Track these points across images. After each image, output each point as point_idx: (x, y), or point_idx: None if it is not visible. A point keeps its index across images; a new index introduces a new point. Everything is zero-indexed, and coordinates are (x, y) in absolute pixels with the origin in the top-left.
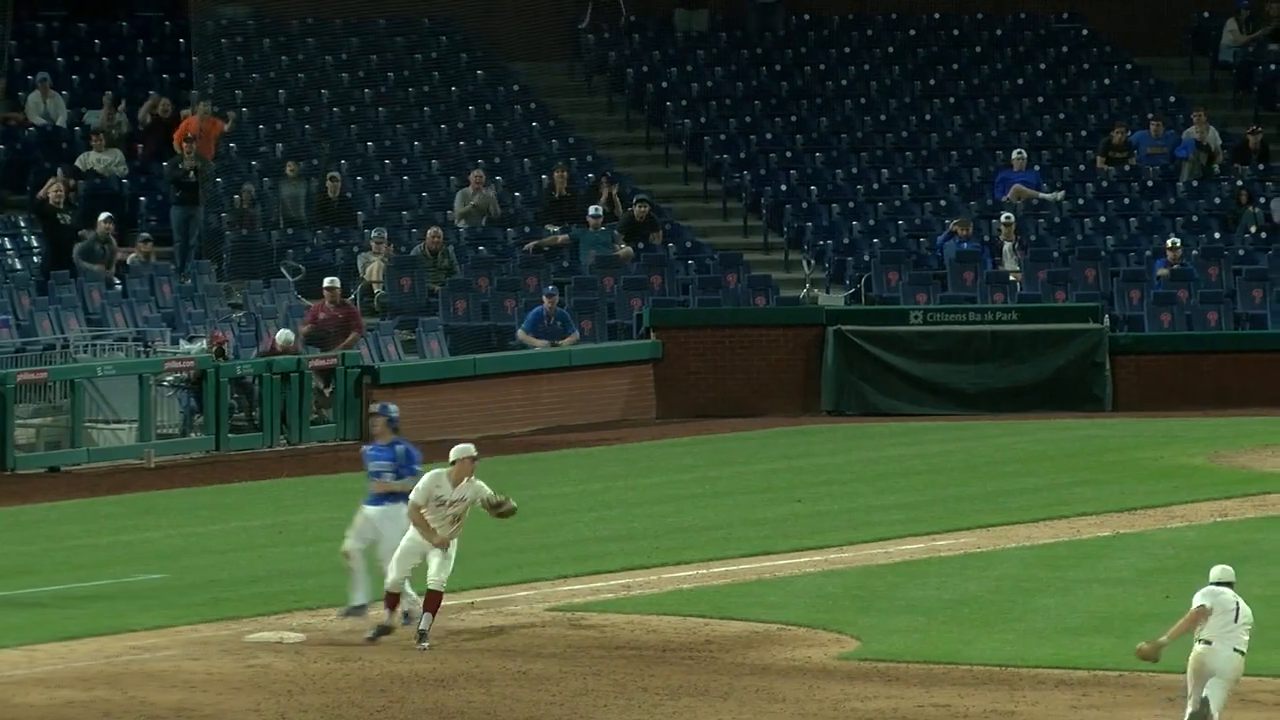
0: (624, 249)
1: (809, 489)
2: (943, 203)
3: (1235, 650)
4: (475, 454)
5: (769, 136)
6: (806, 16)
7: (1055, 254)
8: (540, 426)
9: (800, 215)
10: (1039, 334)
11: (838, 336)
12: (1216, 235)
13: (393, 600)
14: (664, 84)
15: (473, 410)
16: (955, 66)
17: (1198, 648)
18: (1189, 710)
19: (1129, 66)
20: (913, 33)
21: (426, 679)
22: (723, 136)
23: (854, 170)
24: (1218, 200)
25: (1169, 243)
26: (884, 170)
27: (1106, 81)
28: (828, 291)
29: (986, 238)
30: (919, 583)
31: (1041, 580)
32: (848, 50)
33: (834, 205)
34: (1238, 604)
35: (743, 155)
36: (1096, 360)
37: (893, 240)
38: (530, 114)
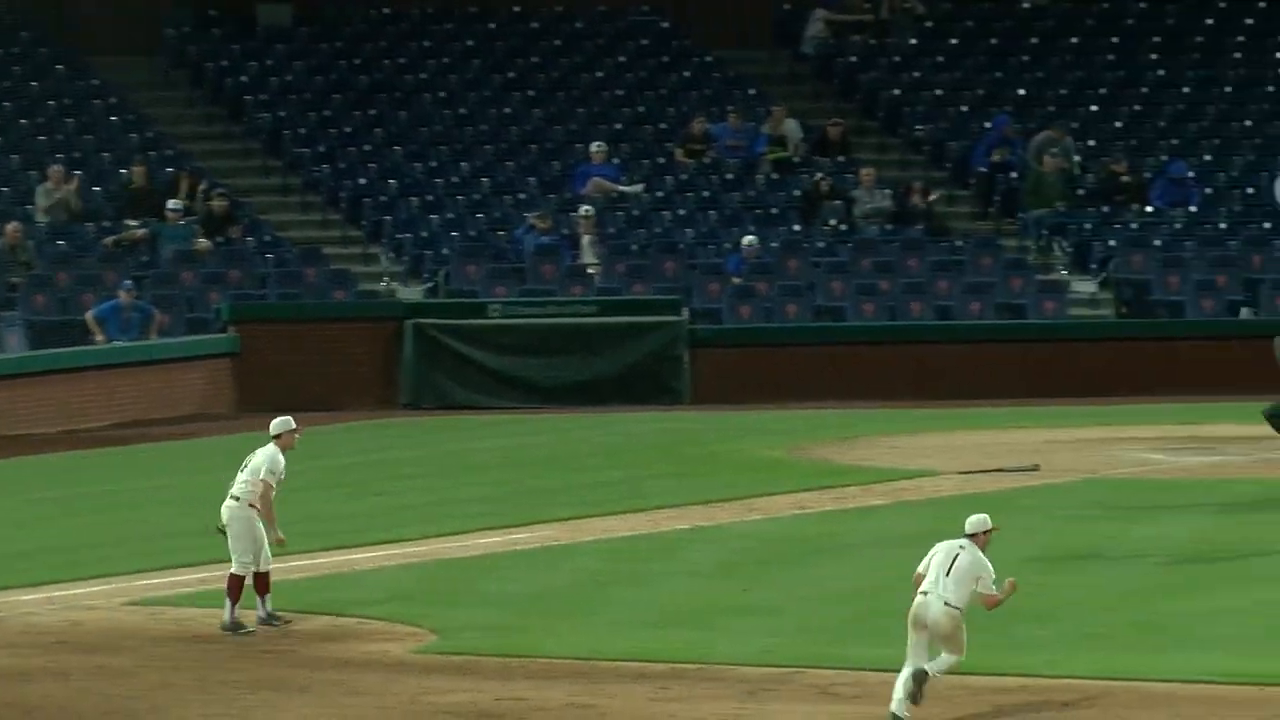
0: (203, 243)
1: (387, 483)
2: (522, 196)
3: (946, 604)
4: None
5: (349, 130)
6: (387, 10)
7: (634, 247)
8: (117, 421)
9: (379, 209)
10: (618, 327)
11: (416, 330)
12: (796, 228)
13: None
14: (244, 78)
15: (51, 405)
16: (535, 60)
17: (916, 598)
18: (906, 669)
19: (709, 59)
20: (493, 25)
21: (4, 673)
22: (303, 130)
23: (434, 164)
24: (797, 193)
25: (745, 241)
26: (464, 164)
27: (686, 74)
28: (406, 285)
29: (566, 231)
30: (497, 576)
31: (621, 573)
32: (428, 44)
33: (413, 199)
34: (955, 556)
35: (322, 149)
36: (675, 353)
37: (472, 234)
38: (111, 108)
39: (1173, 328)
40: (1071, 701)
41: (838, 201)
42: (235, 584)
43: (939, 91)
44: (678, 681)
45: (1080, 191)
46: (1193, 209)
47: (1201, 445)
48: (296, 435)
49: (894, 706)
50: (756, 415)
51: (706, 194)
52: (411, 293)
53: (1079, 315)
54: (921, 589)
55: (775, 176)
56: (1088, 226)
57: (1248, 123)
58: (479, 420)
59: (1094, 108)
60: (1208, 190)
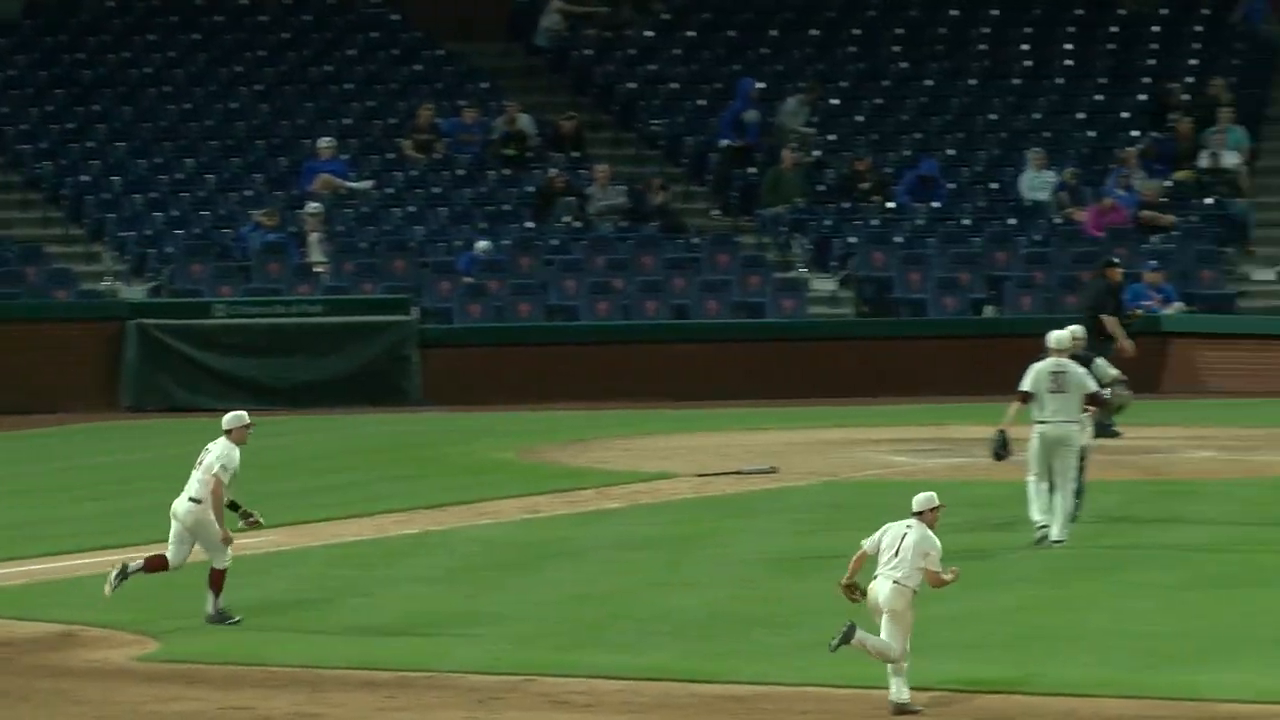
0: None
1: (108, 487)
2: (248, 193)
3: (895, 583)
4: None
5: (71, 126)
6: (112, 3)
7: (363, 245)
8: None
9: (102, 206)
10: (346, 327)
11: (139, 330)
12: (529, 225)
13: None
14: None
15: None
16: (263, 53)
17: (871, 582)
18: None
19: (440, 52)
20: (219, 19)
21: None
22: (24, 126)
23: (158, 160)
24: (530, 189)
25: (478, 246)
26: (188, 160)
27: (418, 68)
28: (129, 284)
29: (293, 229)
30: None
31: (348, 579)
32: (153, 37)
33: (136, 196)
34: (904, 535)
35: (44, 145)
36: (405, 353)
37: (197, 231)
38: None
39: (914, 327)
40: (809, 711)
41: (572, 198)
42: (219, 577)
43: (675, 85)
44: (405, 690)
45: (820, 187)
46: (935, 205)
47: (945, 447)
48: (249, 430)
49: (893, 695)
50: (488, 416)
51: (437, 190)
52: (134, 292)
53: (819, 314)
54: (876, 572)
55: (507, 173)
56: (828, 223)
57: (992, 116)
58: (203, 423)
59: (835, 101)
60: (951, 185)
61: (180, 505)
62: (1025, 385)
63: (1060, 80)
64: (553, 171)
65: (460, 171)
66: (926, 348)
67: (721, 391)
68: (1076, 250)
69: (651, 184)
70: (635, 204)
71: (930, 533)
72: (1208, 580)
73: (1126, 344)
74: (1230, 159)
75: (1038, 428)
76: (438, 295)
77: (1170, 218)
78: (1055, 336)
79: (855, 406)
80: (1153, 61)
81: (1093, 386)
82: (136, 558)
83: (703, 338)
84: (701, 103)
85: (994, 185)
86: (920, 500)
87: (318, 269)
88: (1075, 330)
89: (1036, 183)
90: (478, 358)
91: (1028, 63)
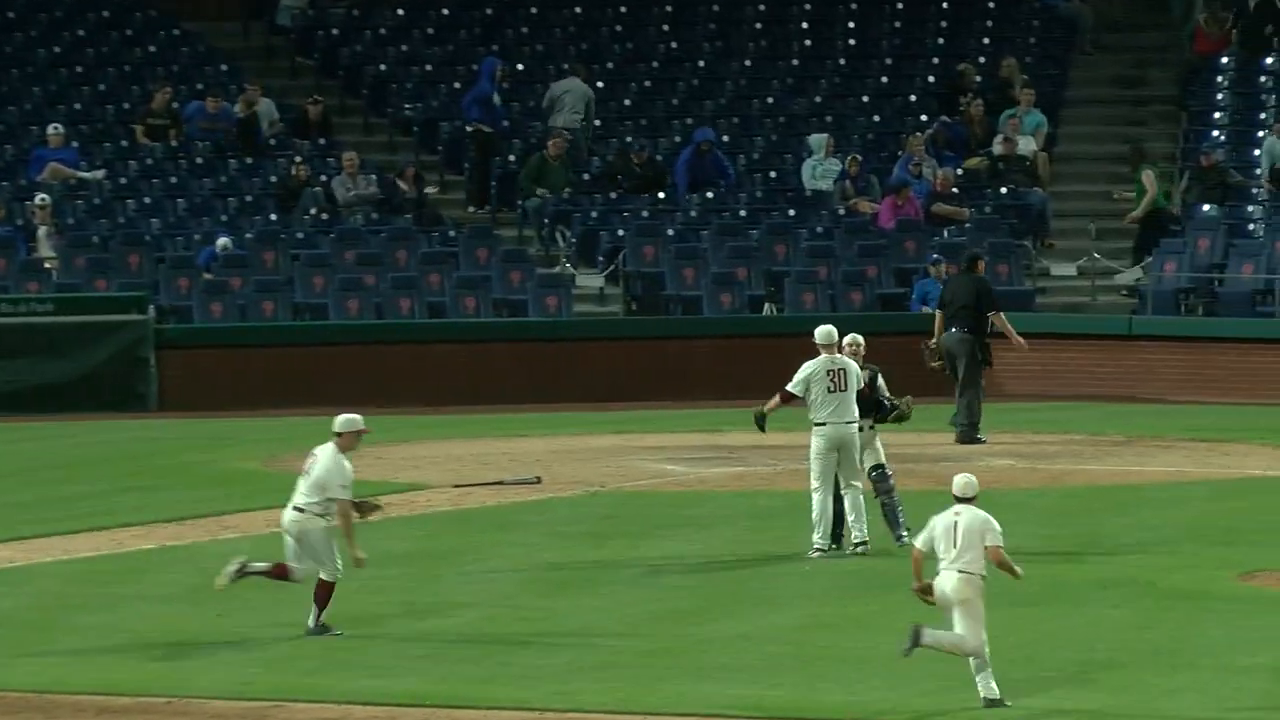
0: None
1: None
2: None
3: (960, 572)
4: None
5: None
6: None
7: (96, 239)
8: None
9: None
10: (78, 327)
11: None
12: (274, 217)
13: None
14: None
15: None
16: None
17: (935, 580)
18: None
19: (177, 32)
20: None
21: None
22: None
23: None
24: (274, 179)
25: (218, 244)
26: None
27: (152, 49)
28: None
29: (20, 222)
30: None
31: (83, 597)
32: None
33: None
34: (955, 523)
35: None
36: (141, 355)
37: None
38: None
39: (688, 326)
40: None
41: (318, 189)
42: (326, 591)
43: (428, 67)
44: (144, 715)
45: (586, 176)
46: (709, 195)
47: (721, 455)
48: (361, 436)
49: (982, 691)
50: (231, 423)
51: (175, 180)
52: None
53: (585, 312)
54: (938, 568)
55: (249, 161)
56: (594, 215)
57: (769, 100)
58: None
59: (600, 84)
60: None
61: (285, 515)
62: (793, 387)
63: (842, 60)
64: (298, 160)
65: (199, 160)
66: (701, 348)
67: (481, 395)
68: (863, 243)
69: (405, 173)
70: (387, 194)
71: (982, 511)
72: (1006, 598)
73: (1019, 340)
74: (1027, 145)
75: (816, 430)
76: (176, 293)
77: (963, 209)
78: (824, 331)
79: (625, 411)
80: (942, 40)
81: (861, 377)
82: (261, 561)
83: (460, 338)
84: (457, 85)
85: (772, 174)
86: (963, 486)
87: (47, 265)
88: (856, 340)
89: (820, 171)
90: (219, 360)
91: (807, 41)
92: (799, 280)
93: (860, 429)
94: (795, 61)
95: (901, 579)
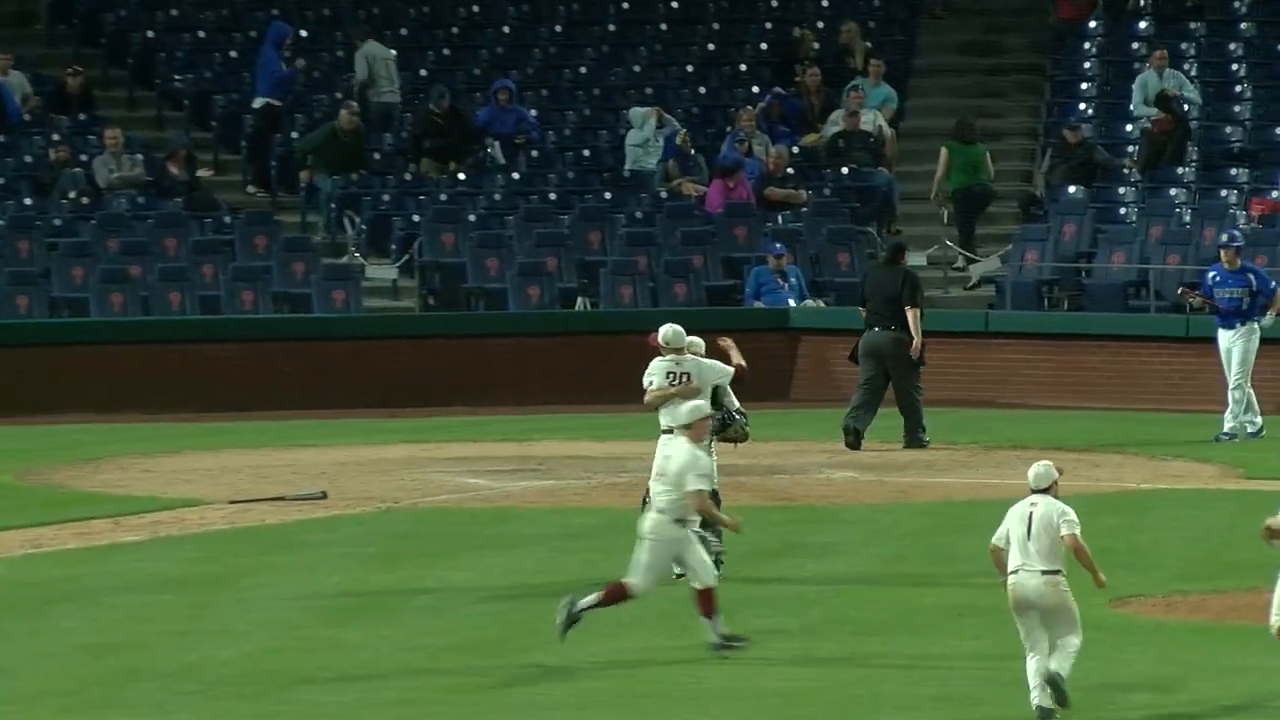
0: None
1: None
2: None
3: (1042, 574)
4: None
5: None
6: None
7: None
8: None
9: None
10: None
11: None
12: (28, 202)
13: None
14: None
15: None
16: None
17: (1010, 580)
18: (1030, 661)
19: None
20: None
21: None
22: None
23: None
24: (29, 159)
25: None
26: None
27: None
28: None
29: None
30: None
31: None
32: None
33: None
34: (1029, 515)
35: None
36: None
37: None
38: None
39: (491, 323)
40: None
41: (78, 170)
42: (708, 599)
43: (201, 34)
44: None
45: (377, 155)
46: (515, 175)
47: (529, 467)
48: (710, 421)
49: (1035, 698)
50: None
51: None
52: None
53: (376, 308)
54: (1010, 568)
55: (0, 140)
56: (386, 198)
57: (581, 69)
58: None
59: (392, 52)
60: (534, 154)
61: (644, 522)
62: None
63: (663, 25)
64: (55, 138)
65: None
66: (506, 348)
67: (260, 400)
68: (687, 230)
69: (176, 155)
70: (155, 176)
71: (1058, 500)
72: (847, 625)
73: (918, 344)
74: (871, 120)
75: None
76: None
77: (800, 192)
78: (671, 332)
79: (421, 419)
80: (775, 2)
81: (723, 370)
82: (588, 593)
83: (237, 336)
84: (233, 54)
85: (586, 152)
86: (1040, 476)
87: None
88: (694, 341)
89: (645, 149)
90: None
91: (624, 4)
92: (616, 271)
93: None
94: (611, 27)
95: (733, 605)
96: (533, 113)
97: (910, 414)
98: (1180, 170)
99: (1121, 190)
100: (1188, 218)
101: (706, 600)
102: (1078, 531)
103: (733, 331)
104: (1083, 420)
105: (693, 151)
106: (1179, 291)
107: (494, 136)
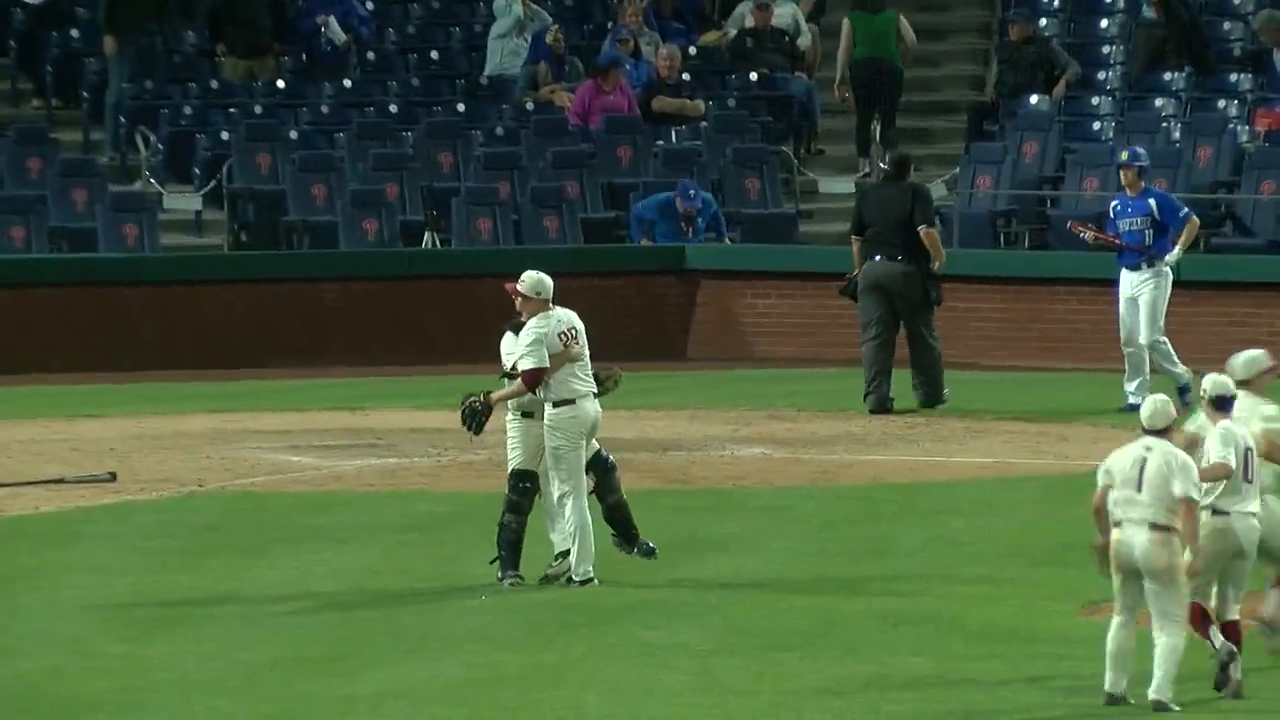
0: None
1: None
2: None
3: (1152, 528)
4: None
5: None
6: None
7: None
8: None
9: None
10: None
11: None
12: None
13: None
14: None
15: None
16: None
17: (1112, 535)
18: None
19: None
20: None
21: None
22: None
23: None
24: None
25: None
26: None
27: None
28: None
29: None
30: None
31: None
32: None
33: None
34: (1142, 462)
35: None
36: None
37: None
38: None
39: (317, 264)
40: None
41: None
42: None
43: None
44: None
45: (176, 58)
46: (347, 83)
47: (365, 442)
48: (1270, 375)
49: (1108, 685)
50: None
51: None
52: None
53: (176, 246)
54: (1113, 520)
55: None
56: (188, 111)
57: None
58: None
59: None
60: (369, 56)
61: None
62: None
63: None
64: None
65: None
66: (335, 295)
67: (33, 360)
68: (559, 150)
69: None
70: None
71: (1181, 451)
72: (757, 639)
73: (942, 259)
74: (786, 14)
75: (559, 411)
76: None
77: (697, 102)
78: (536, 281)
79: (231, 383)
80: None
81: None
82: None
83: (4, 281)
84: None
85: (433, 54)
86: (1153, 412)
87: None
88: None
89: (506, 48)
90: None
91: None
92: (471, 201)
93: None
94: None
95: (616, 614)
96: (366, 2)
97: (929, 364)
98: (1168, 77)
99: (1095, 101)
100: (1177, 134)
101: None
102: (1195, 497)
103: (620, 275)
104: (1048, 384)
105: (567, 53)
106: (1069, 226)
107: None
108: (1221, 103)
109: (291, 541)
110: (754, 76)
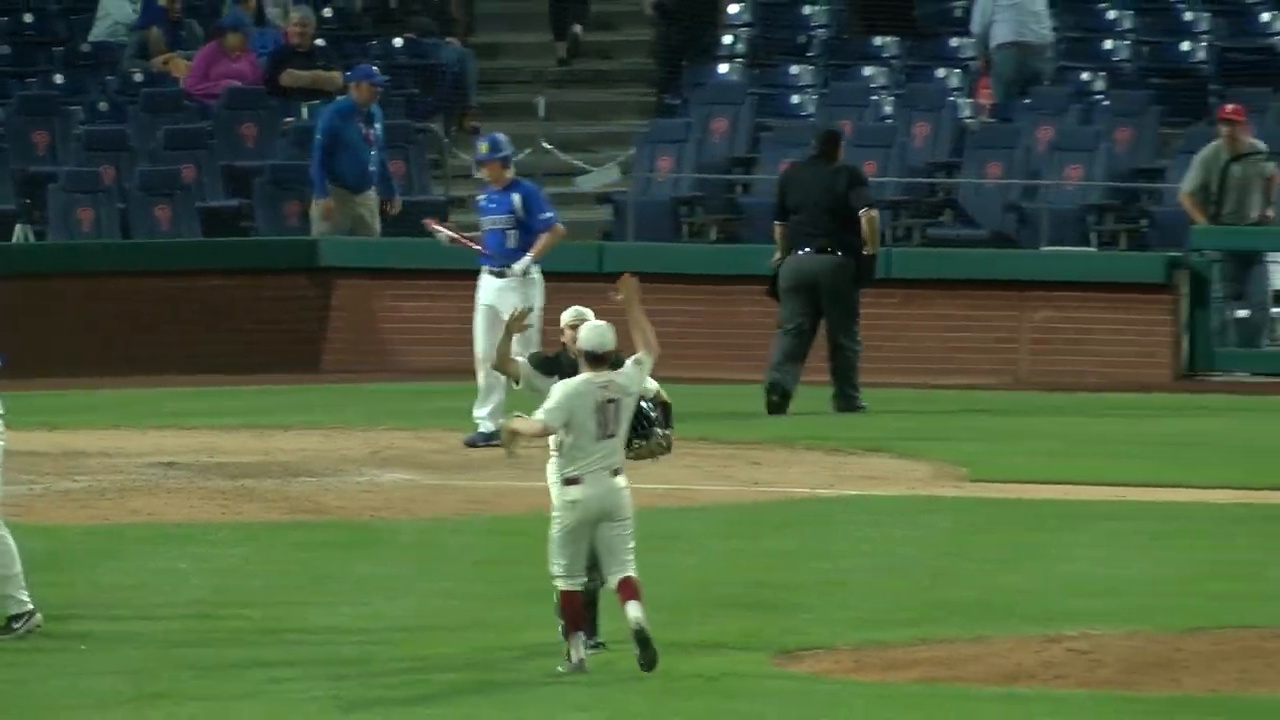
0: None
1: None
2: None
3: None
4: None
5: None
6: None
7: None
8: None
9: None
10: None
11: None
12: None
13: None
14: None
15: None
16: None
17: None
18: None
19: None
20: None
21: None
22: None
23: None
24: None
25: None
26: None
27: None
28: None
29: None
30: None
31: None
32: None
33: None
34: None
35: None
36: None
37: None
38: None
39: None
40: None
41: None
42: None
43: None
44: None
45: None
46: None
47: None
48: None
49: None
50: None
51: None
52: None
53: None
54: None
55: None
56: None
57: None
58: None
59: None
60: None
61: None
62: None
63: None
64: None
65: None
66: None
67: None
68: (175, 128)
69: None
70: None
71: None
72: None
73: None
74: None
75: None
76: None
77: (334, 73)
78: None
79: None
80: None
81: None
82: None
83: None
84: None
85: (27, 17)
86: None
87: None
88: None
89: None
90: None
91: None
92: (70, 188)
93: None
94: None
95: (237, 666)
96: None
97: (844, 367)
98: (878, 42)
99: (794, 71)
100: (889, 109)
101: None
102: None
103: (244, 274)
104: (738, 397)
105: (183, 16)
106: (423, 223)
107: None
108: (940, 72)
109: None
110: (398, 42)
